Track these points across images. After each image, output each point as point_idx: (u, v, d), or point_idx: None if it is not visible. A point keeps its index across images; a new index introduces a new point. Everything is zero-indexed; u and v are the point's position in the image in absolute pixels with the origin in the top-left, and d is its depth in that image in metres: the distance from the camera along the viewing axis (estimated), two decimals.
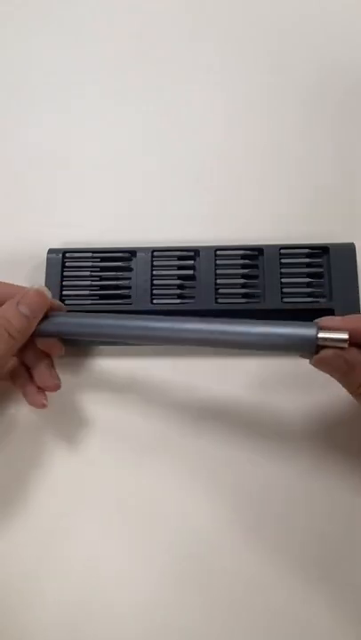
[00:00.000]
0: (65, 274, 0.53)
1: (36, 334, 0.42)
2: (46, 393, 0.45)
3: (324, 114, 0.56)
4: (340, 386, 0.39)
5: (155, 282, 0.52)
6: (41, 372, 0.44)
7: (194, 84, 0.58)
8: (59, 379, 0.44)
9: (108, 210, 0.55)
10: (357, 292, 0.50)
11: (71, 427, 0.49)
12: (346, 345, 0.36)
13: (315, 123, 0.56)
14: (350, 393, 0.38)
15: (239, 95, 0.58)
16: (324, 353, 0.37)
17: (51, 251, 0.53)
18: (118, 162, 0.56)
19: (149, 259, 0.51)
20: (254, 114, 0.57)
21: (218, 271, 0.51)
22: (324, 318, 0.39)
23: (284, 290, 0.50)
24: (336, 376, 0.38)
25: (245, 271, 0.51)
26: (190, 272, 0.51)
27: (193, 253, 0.51)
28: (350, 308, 0.49)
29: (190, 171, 0.56)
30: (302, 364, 0.40)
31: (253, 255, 0.52)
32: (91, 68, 0.60)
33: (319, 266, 0.52)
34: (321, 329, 0.37)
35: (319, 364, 0.38)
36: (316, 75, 0.57)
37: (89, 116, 0.58)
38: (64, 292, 0.53)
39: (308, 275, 0.52)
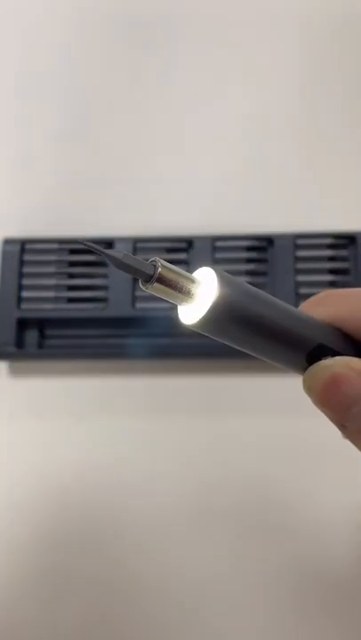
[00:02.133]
0: (24, 270, 0.44)
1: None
2: None
3: (329, 90, 0.49)
4: None
5: (137, 281, 0.42)
6: None
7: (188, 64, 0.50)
8: None
9: (79, 190, 0.47)
10: None
11: None
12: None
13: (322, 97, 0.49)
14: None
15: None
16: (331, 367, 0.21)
17: (7, 241, 0.45)
18: (89, 132, 0.49)
19: (130, 251, 0.44)
20: (254, 92, 0.50)
21: (217, 266, 0.42)
22: None
23: (301, 290, 0.43)
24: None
25: (251, 266, 0.44)
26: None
27: (186, 244, 0.44)
28: None
29: (182, 145, 0.49)
30: None
31: (261, 247, 0.44)
32: None
33: (344, 259, 0.44)
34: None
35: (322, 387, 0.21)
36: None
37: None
38: (23, 294, 0.44)
39: (331, 270, 0.44)
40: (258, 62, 0.49)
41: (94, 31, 0.50)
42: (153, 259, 0.19)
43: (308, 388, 0.22)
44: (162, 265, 0.19)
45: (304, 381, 0.22)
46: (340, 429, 0.22)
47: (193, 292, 0.19)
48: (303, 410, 0.40)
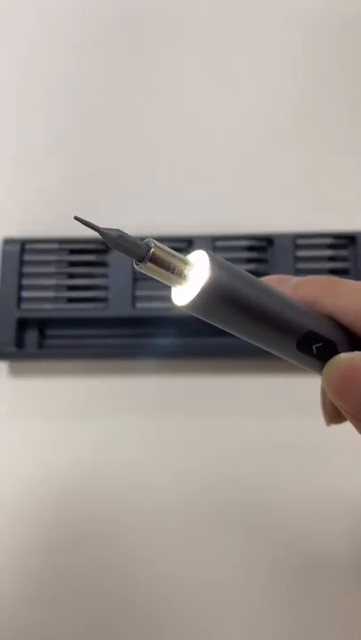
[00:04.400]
0: (24, 270, 0.44)
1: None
2: None
3: (332, 89, 0.49)
4: None
5: (137, 281, 0.43)
6: None
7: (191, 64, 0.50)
8: None
9: (79, 190, 0.46)
10: None
11: None
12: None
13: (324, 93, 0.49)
14: None
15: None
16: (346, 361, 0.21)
17: (7, 241, 0.44)
18: (89, 132, 0.49)
19: None
20: (254, 87, 0.50)
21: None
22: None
23: None
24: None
25: (251, 266, 0.44)
26: None
27: (186, 244, 0.44)
28: None
29: (182, 146, 0.48)
30: None
31: (262, 246, 0.44)
32: None
33: (344, 259, 0.43)
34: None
35: (344, 379, 0.21)
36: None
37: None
38: (23, 294, 0.44)
39: (331, 270, 0.43)
40: (258, 62, 0.49)
41: (94, 31, 0.50)
42: (147, 239, 0.19)
43: (326, 380, 0.21)
44: (155, 245, 0.19)
45: (323, 372, 0.21)
46: (353, 424, 0.21)
47: (186, 273, 0.19)
48: (304, 409, 0.40)
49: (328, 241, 0.43)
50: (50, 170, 0.48)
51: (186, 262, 0.19)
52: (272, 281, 0.23)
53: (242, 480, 0.42)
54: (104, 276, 0.43)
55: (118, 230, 0.19)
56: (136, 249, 0.19)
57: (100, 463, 0.43)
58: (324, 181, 0.47)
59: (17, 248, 0.44)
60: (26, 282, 0.43)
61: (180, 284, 0.20)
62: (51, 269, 0.44)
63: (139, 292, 0.43)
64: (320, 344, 0.21)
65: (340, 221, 0.44)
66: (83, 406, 0.44)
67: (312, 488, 0.42)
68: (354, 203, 0.46)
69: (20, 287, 0.43)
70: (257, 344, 0.21)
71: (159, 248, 0.19)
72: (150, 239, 0.19)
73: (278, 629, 0.40)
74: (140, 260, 0.19)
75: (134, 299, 0.43)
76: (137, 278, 0.43)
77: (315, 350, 0.21)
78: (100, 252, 0.44)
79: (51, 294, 0.43)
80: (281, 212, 0.46)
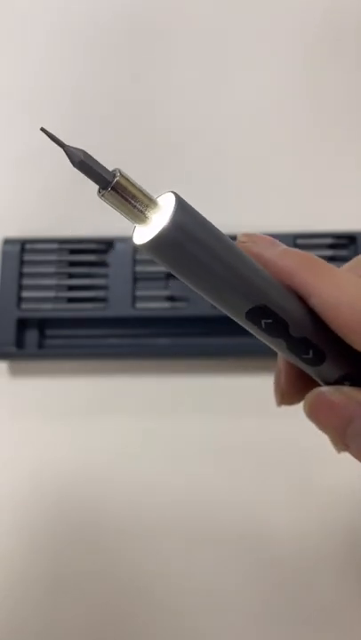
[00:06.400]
0: (24, 270, 0.44)
1: None
2: None
3: (331, 88, 0.49)
4: None
5: (138, 281, 0.43)
6: None
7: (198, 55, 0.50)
8: None
9: (77, 190, 0.46)
10: None
11: None
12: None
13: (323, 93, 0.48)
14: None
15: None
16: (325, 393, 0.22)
17: (7, 241, 0.44)
18: (89, 131, 0.49)
19: (130, 251, 0.43)
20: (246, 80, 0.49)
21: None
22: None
23: None
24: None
25: None
26: None
27: None
28: None
29: (182, 146, 0.48)
30: None
31: None
32: None
33: (344, 259, 0.43)
34: None
35: (317, 412, 0.23)
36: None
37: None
38: (23, 294, 0.44)
39: None
40: (259, 61, 0.49)
41: (96, 32, 0.50)
42: (116, 168, 0.18)
43: (308, 414, 0.23)
44: (121, 175, 0.18)
45: (304, 407, 0.23)
46: (347, 450, 0.22)
47: (149, 210, 0.18)
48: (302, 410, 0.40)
49: (328, 241, 0.43)
50: (50, 170, 0.48)
51: (151, 200, 0.18)
52: (263, 240, 0.22)
53: (241, 479, 0.42)
54: (104, 276, 0.43)
55: (84, 151, 0.18)
56: (101, 174, 0.18)
57: (100, 463, 0.43)
58: (325, 181, 0.47)
59: (17, 248, 0.44)
60: (26, 282, 0.43)
61: (142, 221, 0.18)
62: (51, 269, 0.44)
63: (139, 292, 0.43)
64: (270, 320, 0.20)
65: (341, 221, 0.44)
66: (83, 406, 0.44)
67: (311, 487, 0.42)
68: (354, 203, 0.46)
69: (20, 287, 0.43)
70: (207, 299, 0.20)
71: (125, 178, 0.18)
72: (119, 169, 0.18)
73: (276, 632, 0.40)
74: (104, 187, 0.18)
75: (134, 299, 0.43)
76: (137, 278, 0.43)
77: (263, 325, 0.20)
78: (100, 251, 0.44)
79: (51, 294, 0.43)
80: (281, 212, 0.46)
